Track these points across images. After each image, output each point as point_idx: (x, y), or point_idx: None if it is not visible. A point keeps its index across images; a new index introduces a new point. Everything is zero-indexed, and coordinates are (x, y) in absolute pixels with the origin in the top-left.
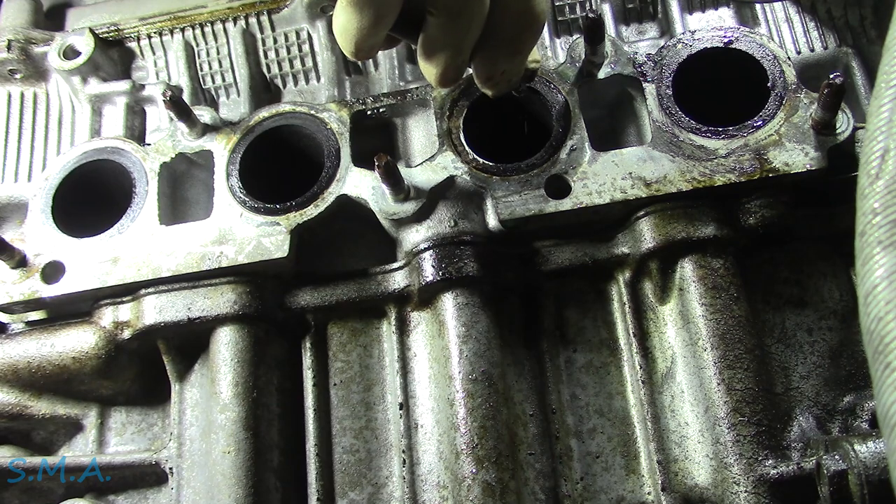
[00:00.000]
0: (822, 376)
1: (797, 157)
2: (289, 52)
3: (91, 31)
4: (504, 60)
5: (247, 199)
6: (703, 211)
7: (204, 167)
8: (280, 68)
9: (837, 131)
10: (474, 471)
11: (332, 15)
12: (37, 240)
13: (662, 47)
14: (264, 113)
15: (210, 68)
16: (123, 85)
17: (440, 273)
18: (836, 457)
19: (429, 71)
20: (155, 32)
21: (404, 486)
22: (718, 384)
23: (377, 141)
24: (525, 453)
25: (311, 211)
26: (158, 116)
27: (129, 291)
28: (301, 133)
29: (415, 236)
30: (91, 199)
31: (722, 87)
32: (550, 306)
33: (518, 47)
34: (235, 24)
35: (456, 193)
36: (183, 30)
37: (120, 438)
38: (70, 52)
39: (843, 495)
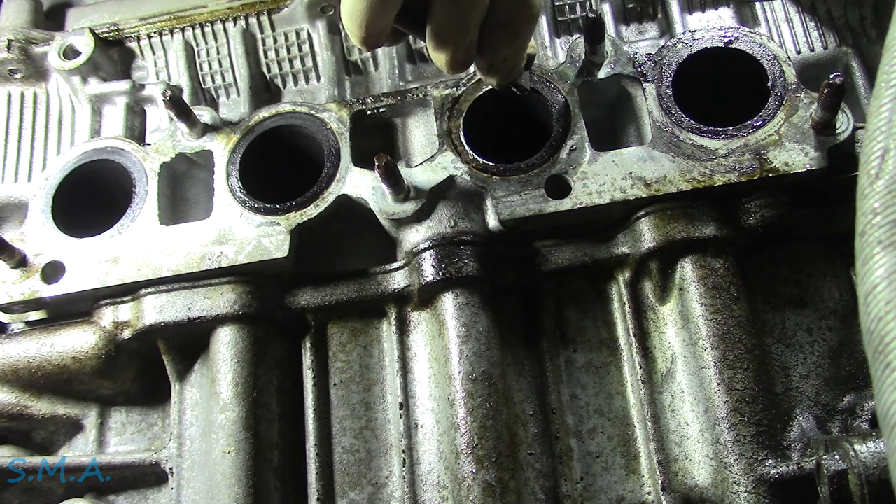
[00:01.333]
0: (822, 376)
1: (797, 157)
2: (289, 52)
3: (91, 31)
4: (504, 46)
5: (247, 199)
6: (703, 211)
7: (204, 167)
8: (280, 68)
9: (837, 131)
10: (474, 471)
11: (332, 15)
12: (37, 240)
13: (662, 47)
14: (264, 113)
15: (210, 68)
16: (123, 85)
17: (440, 273)
18: (836, 457)
19: (440, 57)
20: (155, 32)
21: (404, 486)
22: (718, 384)
23: (377, 141)
24: (525, 453)
25: (311, 211)
26: (158, 116)
27: (129, 291)
28: (301, 133)
29: (415, 236)
30: (91, 199)
31: (722, 87)
32: (550, 306)
33: (516, 30)
34: (235, 24)
35: (456, 193)
36: (183, 30)
37: (120, 438)
38: (70, 52)
39: (843, 495)
